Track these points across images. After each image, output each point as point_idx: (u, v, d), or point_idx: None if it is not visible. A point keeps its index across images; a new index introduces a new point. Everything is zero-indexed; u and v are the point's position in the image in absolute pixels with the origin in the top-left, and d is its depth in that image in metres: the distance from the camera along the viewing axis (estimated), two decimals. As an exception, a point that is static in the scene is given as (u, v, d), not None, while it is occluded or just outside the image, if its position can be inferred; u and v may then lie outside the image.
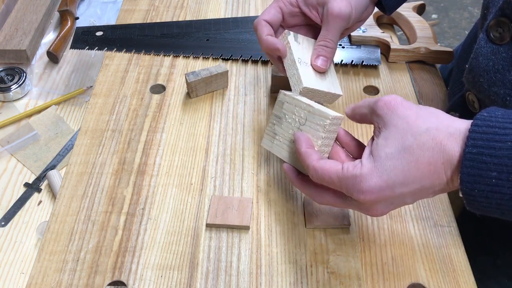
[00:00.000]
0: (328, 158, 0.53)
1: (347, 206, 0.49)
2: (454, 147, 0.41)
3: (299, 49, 0.60)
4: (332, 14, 0.56)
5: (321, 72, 0.60)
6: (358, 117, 0.50)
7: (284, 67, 0.61)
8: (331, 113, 0.51)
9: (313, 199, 0.52)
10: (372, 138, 0.47)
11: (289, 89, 0.64)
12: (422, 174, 0.43)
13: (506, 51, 0.53)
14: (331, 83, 0.62)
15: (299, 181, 0.53)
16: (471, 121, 0.42)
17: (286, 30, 0.60)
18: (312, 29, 0.63)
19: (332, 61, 0.64)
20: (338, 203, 0.49)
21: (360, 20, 0.62)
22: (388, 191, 0.43)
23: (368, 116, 0.48)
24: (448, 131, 0.42)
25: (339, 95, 0.61)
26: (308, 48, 0.61)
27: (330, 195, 0.49)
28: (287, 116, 0.56)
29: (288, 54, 0.60)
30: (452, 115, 0.64)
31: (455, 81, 0.70)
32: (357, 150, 0.52)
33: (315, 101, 0.58)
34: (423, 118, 0.43)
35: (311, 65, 0.60)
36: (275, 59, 0.61)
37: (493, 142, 0.40)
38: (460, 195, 0.42)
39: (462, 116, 0.63)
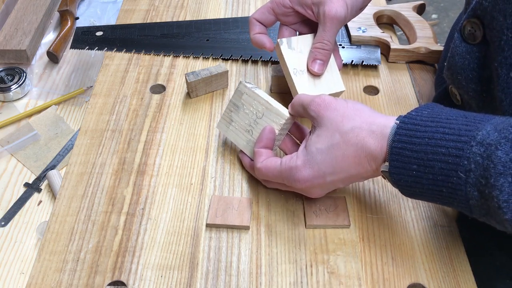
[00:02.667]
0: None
1: (291, 190, 0.56)
2: (374, 143, 0.48)
3: (294, 56, 0.61)
4: (329, 16, 0.58)
5: (317, 75, 0.61)
6: (297, 114, 0.56)
7: None
8: (287, 113, 0.56)
9: (264, 184, 0.59)
10: (310, 133, 0.53)
11: (289, 90, 0.64)
12: (349, 165, 0.50)
13: (479, 50, 0.55)
14: (332, 81, 0.62)
15: (251, 169, 0.59)
16: (393, 117, 0.48)
17: (279, 40, 0.62)
18: (309, 23, 0.64)
19: (339, 56, 0.66)
20: (283, 188, 0.57)
21: (360, 8, 0.63)
22: (320, 179, 0.51)
23: (304, 114, 0.54)
24: (370, 129, 0.48)
25: (341, 91, 0.62)
26: (304, 48, 0.62)
27: (275, 183, 0.56)
28: (245, 107, 0.59)
29: (283, 66, 0.62)
30: None
31: (439, 74, 0.71)
32: (303, 137, 0.59)
33: None
34: (348, 118, 0.50)
35: (308, 69, 0.61)
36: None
37: (414, 138, 0.45)
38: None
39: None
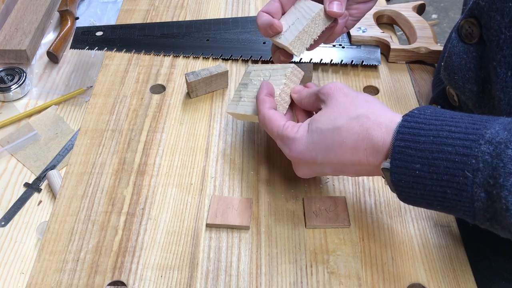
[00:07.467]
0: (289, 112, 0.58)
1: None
2: (380, 136, 0.46)
3: (283, 34, 0.59)
4: None
5: (338, 16, 0.58)
6: (305, 103, 0.55)
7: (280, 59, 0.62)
8: (292, 64, 0.57)
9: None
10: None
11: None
12: (344, 153, 0.48)
13: (476, 50, 0.55)
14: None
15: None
16: (401, 115, 0.46)
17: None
18: None
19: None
20: (277, 142, 0.55)
21: None
22: (311, 159, 0.51)
23: (314, 103, 0.54)
24: (378, 121, 0.47)
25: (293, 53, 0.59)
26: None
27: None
28: (253, 80, 0.60)
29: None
30: None
31: (437, 75, 0.71)
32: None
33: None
34: (356, 105, 0.48)
35: (327, 12, 0.58)
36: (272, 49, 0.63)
37: (418, 137, 0.43)
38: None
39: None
